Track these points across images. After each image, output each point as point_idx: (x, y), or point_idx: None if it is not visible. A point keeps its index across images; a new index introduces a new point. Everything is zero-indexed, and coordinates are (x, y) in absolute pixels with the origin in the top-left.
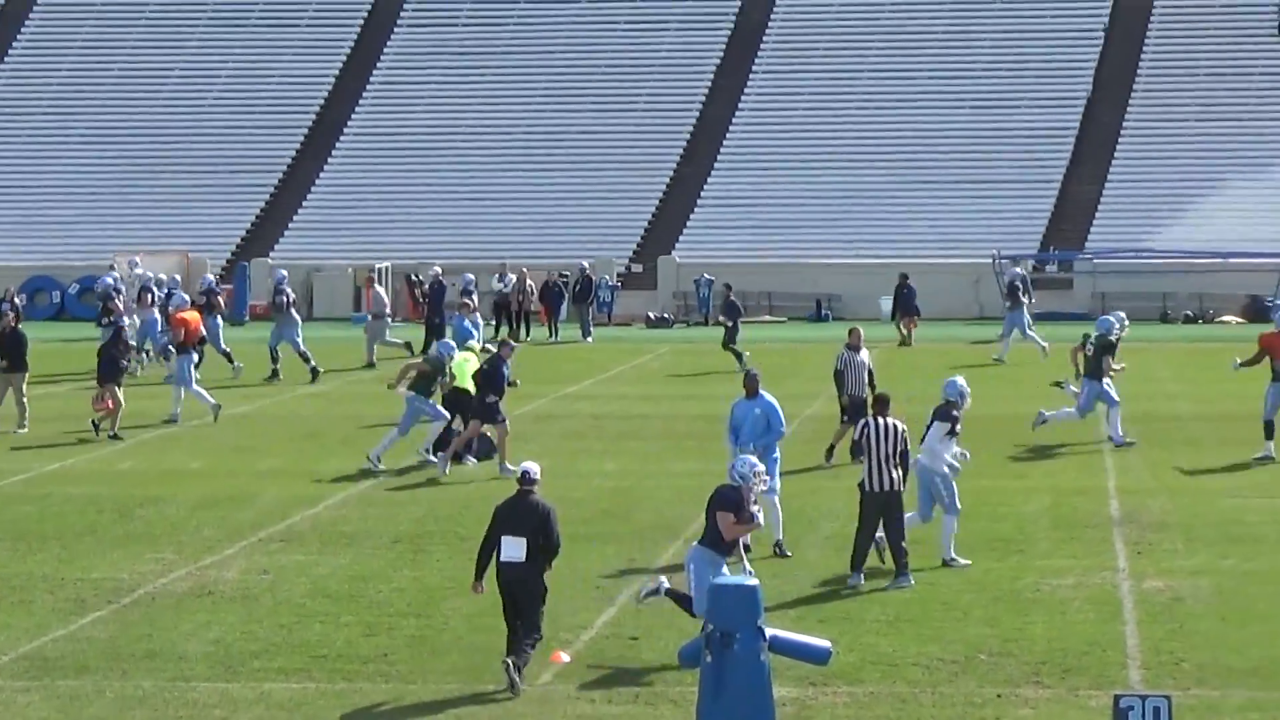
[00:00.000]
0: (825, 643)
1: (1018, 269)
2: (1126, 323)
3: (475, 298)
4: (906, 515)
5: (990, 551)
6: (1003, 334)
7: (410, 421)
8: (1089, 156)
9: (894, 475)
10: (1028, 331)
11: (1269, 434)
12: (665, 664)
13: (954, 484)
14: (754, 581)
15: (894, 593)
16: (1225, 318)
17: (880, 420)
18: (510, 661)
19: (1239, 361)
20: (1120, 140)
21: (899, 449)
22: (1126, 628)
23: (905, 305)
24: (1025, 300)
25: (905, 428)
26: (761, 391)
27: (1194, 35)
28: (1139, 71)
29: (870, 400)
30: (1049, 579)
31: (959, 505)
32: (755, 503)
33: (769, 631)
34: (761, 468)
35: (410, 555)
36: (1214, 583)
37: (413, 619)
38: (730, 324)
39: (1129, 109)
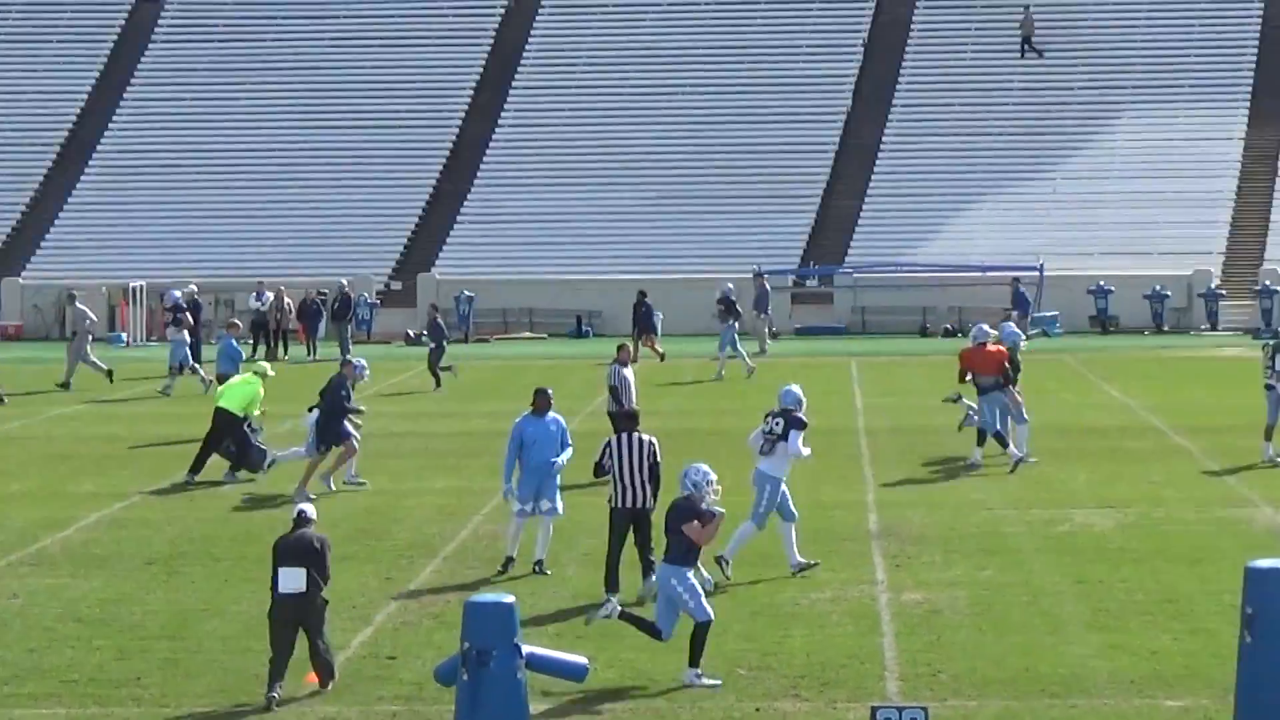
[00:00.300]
0: (582, 659)
1: (729, 284)
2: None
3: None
4: (741, 525)
5: (748, 566)
6: (720, 349)
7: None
8: (849, 171)
9: (643, 491)
10: (736, 348)
11: (981, 441)
12: (423, 682)
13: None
14: (510, 599)
15: (647, 609)
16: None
17: (628, 436)
18: (274, 695)
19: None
20: (880, 155)
21: (648, 464)
22: (884, 640)
23: (644, 322)
24: (734, 317)
25: (655, 442)
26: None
27: (951, 51)
28: (898, 87)
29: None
30: (808, 593)
31: (795, 511)
32: (717, 501)
33: (526, 649)
34: (714, 475)
35: (164, 577)
36: (971, 594)
37: (166, 641)
38: (435, 345)
39: (888, 124)
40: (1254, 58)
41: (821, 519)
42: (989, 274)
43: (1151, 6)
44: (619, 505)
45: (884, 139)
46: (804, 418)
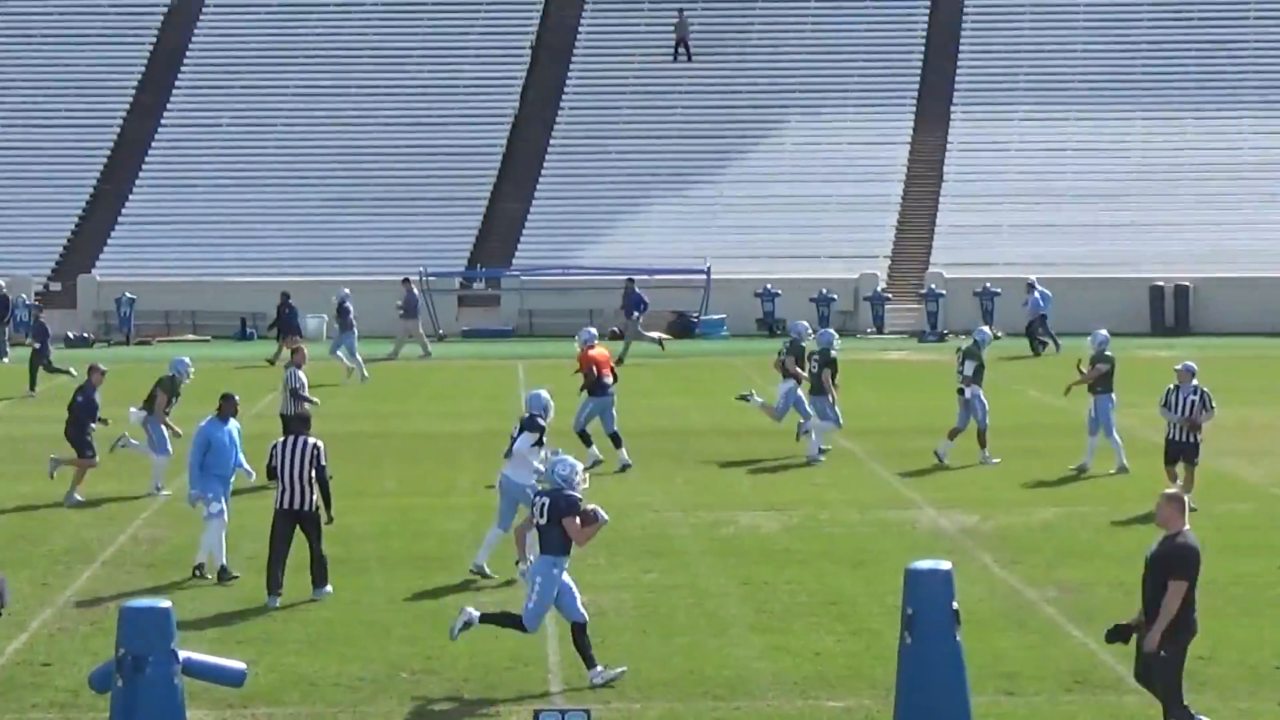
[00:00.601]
0: (240, 664)
1: (345, 289)
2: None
3: None
4: (492, 531)
5: (413, 569)
6: (335, 351)
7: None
8: (516, 174)
9: (308, 493)
10: (353, 354)
11: (615, 443)
12: (78, 689)
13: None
14: (167, 604)
15: (315, 611)
16: (652, 334)
17: (295, 439)
18: None
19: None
20: (547, 158)
21: (313, 467)
22: (549, 643)
23: (287, 325)
24: (351, 322)
25: (320, 446)
26: None
27: (618, 55)
28: (565, 90)
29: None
30: (472, 596)
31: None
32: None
33: (182, 654)
34: (580, 466)
35: None
36: (636, 597)
37: None
38: (38, 345)
39: (555, 128)
40: (920, 62)
41: (485, 522)
42: (656, 277)
43: (818, 11)
44: (281, 506)
45: (551, 142)
46: (541, 422)
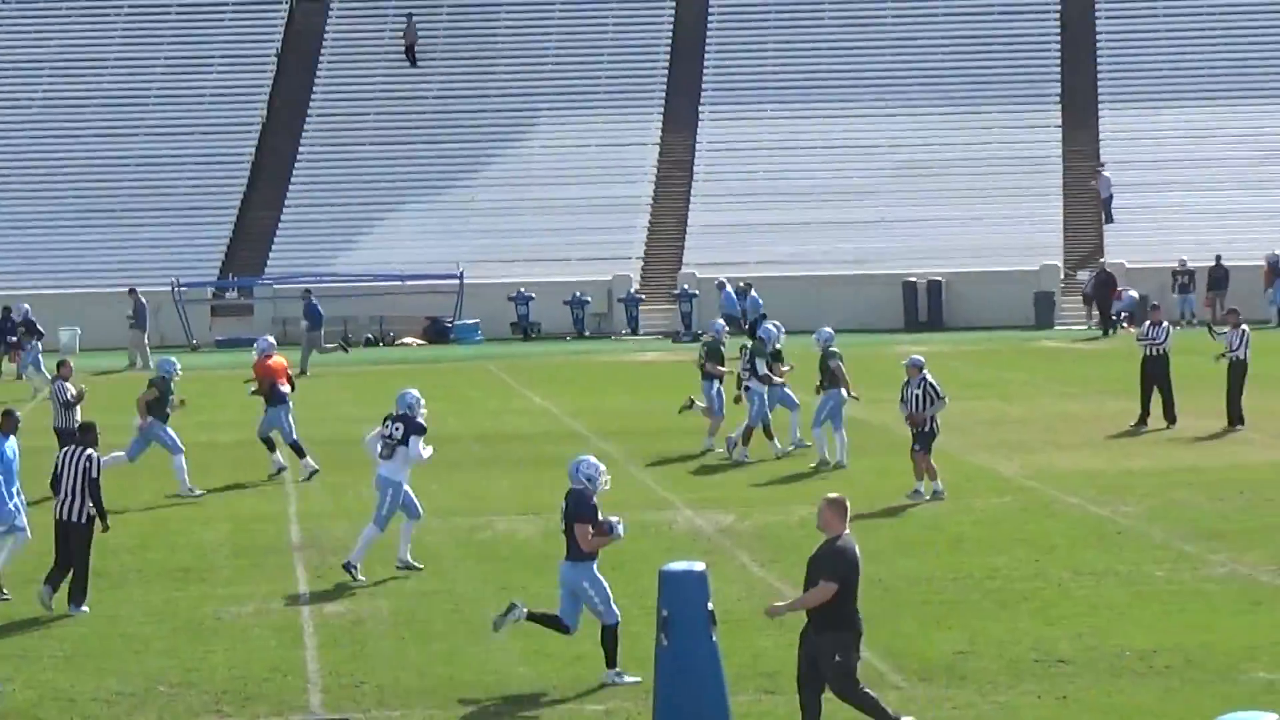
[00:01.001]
0: None
1: (25, 304)
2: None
3: None
4: (365, 530)
5: (170, 581)
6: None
7: (140, 449)
8: (265, 183)
9: (76, 504)
10: (38, 369)
11: (298, 453)
12: None
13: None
14: None
15: (72, 626)
16: (406, 339)
17: (75, 450)
18: None
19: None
20: (296, 166)
21: (86, 479)
22: (307, 652)
23: (9, 336)
24: (37, 337)
25: (95, 456)
26: None
27: (365, 60)
28: (312, 97)
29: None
30: (230, 606)
31: (420, 509)
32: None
33: None
34: (603, 467)
35: None
36: (394, 604)
37: None
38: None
39: (304, 135)
40: (666, 62)
41: (243, 532)
42: (410, 282)
43: (564, 12)
44: (58, 516)
45: (300, 150)
46: (423, 422)
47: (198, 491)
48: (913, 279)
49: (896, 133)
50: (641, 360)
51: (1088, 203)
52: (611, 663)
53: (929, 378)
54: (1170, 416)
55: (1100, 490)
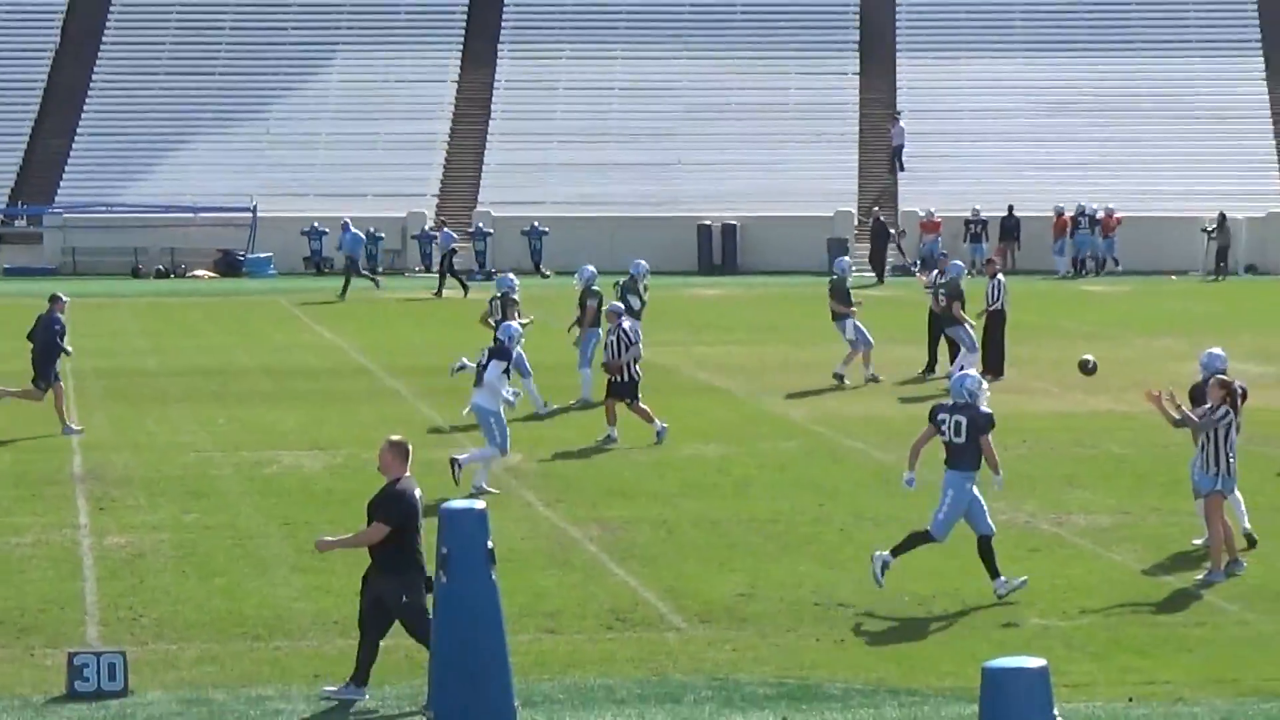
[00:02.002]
0: None
1: None
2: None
3: None
4: (483, 449)
5: None
6: None
7: None
8: (57, 110)
9: None
10: None
11: None
12: None
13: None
14: None
15: None
16: (198, 272)
17: None
18: None
19: None
20: (89, 94)
21: None
22: (86, 584)
23: None
24: None
25: None
26: None
27: None
28: (107, 24)
29: None
30: (8, 537)
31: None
32: None
33: None
34: (984, 381)
35: None
36: (175, 537)
37: None
38: None
39: (97, 63)
40: (466, 3)
41: (24, 462)
42: (202, 215)
43: None
44: None
45: (93, 78)
46: (510, 349)
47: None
48: (707, 222)
49: (694, 75)
50: (435, 297)
51: (883, 150)
52: (995, 573)
53: (625, 325)
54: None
55: (885, 436)
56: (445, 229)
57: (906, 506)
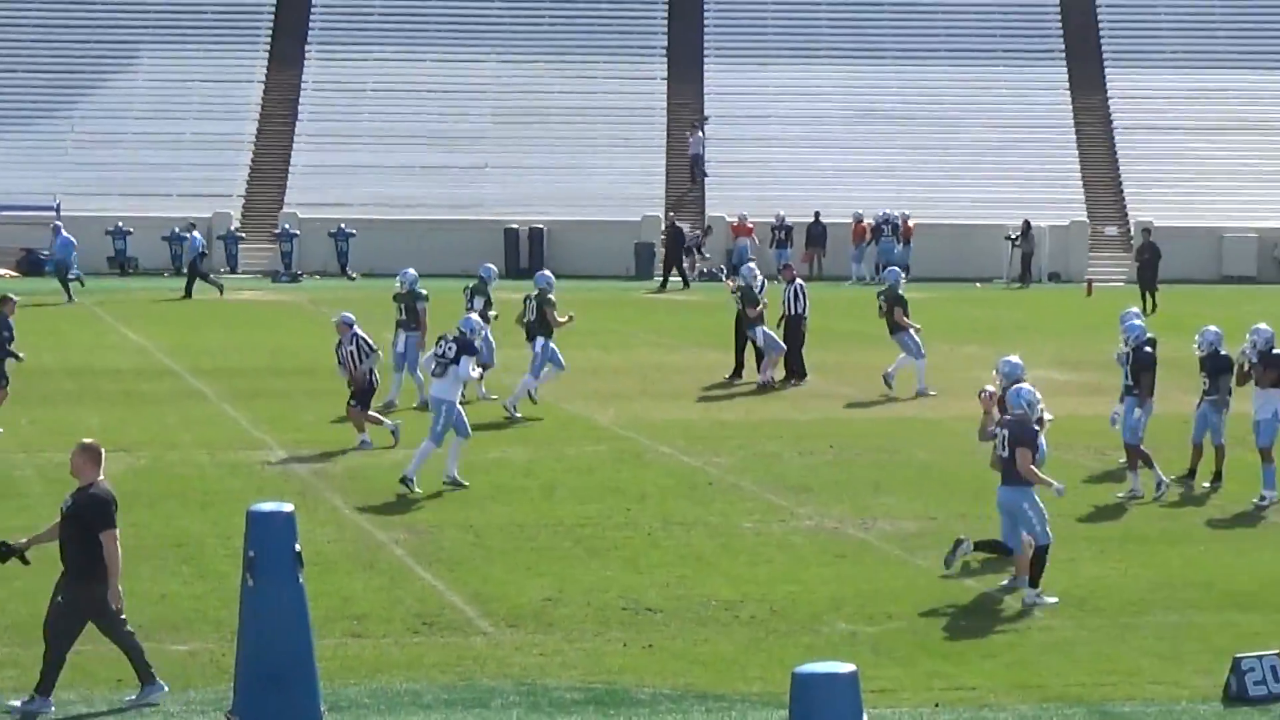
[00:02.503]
0: None
1: None
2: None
3: None
4: (421, 445)
5: None
6: None
7: None
8: None
9: None
10: None
11: None
12: None
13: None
14: None
15: None
16: (1, 271)
17: None
18: None
19: None
20: None
21: None
22: None
23: None
24: None
25: None
26: None
27: None
28: None
29: None
30: None
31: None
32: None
33: None
34: (1039, 395)
35: None
36: None
37: None
38: None
39: None
40: (273, 0)
41: None
42: (5, 213)
43: None
44: None
45: None
46: (476, 343)
47: None
48: (515, 226)
49: (503, 79)
50: (239, 299)
51: (689, 156)
52: (1035, 584)
53: (360, 333)
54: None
55: (692, 441)
56: (195, 233)
57: (714, 512)
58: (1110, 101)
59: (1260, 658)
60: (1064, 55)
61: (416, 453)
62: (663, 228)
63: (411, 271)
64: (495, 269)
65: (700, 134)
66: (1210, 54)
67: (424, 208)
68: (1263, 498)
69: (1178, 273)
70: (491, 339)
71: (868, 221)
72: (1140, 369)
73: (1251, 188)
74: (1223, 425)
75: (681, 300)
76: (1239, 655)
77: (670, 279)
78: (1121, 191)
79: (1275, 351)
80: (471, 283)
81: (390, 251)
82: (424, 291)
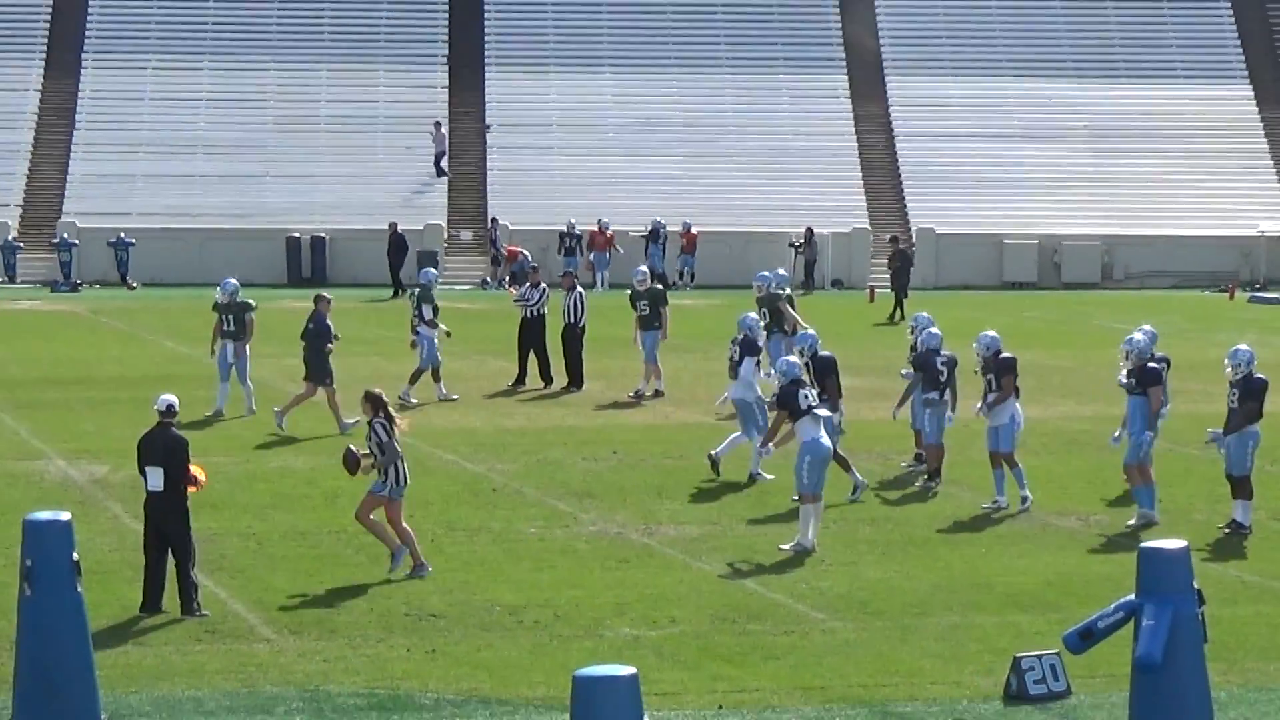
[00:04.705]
0: None
1: None
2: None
3: None
4: (737, 435)
5: None
6: None
7: None
8: None
9: None
10: None
11: None
12: None
13: None
14: None
15: None
16: None
17: None
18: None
19: None
20: None
21: None
22: None
23: None
24: None
25: None
26: None
27: None
28: None
29: None
30: None
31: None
32: None
33: None
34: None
35: None
36: None
37: None
38: None
39: None
40: (49, 10)
41: None
42: None
43: None
44: None
45: None
46: (759, 343)
47: None
48: (297, 234)
49: (283, 88)
50: (16, 309)
51: (472, 165)
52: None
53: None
54: (546, 377)
55: (476, 448)
56: None
57: (497, 518)
58: (891, 109)
59: (1040, 657)
60: (845, 63)
61: (729, 439)
62: (445, 236)
63: (233, 281)
64: (435, 273)
65: (442, 132)
66: (989, 62)
67: (205, 217)
68: (1024, 498)
69: (960, 279)
70: (437, 341)
71: (639, 231)
72: (1000, 373)
73: (1031, 195)
74: (1013, 431)
75: (469, 309)
76: (1019, 655)
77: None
78: (903, 198)
79: (1004, 356)
80: (415, 290)
81: (171, 261)
82: (251, 301)
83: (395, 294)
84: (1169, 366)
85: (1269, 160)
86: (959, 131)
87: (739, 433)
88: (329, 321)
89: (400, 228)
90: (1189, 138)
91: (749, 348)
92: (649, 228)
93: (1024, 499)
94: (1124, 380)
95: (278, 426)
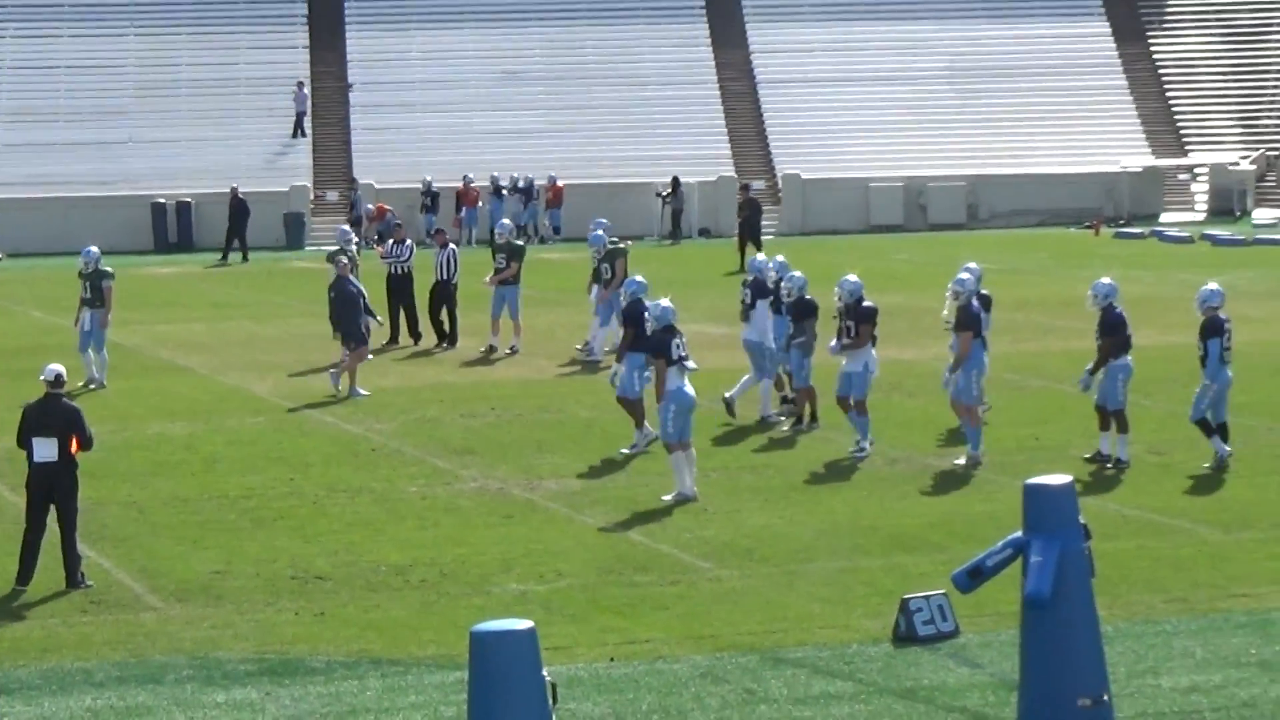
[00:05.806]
0: None
1: None
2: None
3: None
4: (747, 377)
5: None
6: None
7: None
8: None
9: None
10: None
11: None
12: None
13: None
14: None
15: None
16: None
17: None
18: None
19: None
20: None
21: None
22: None
23: None
24: None
25: None
26: None
27: None
28: None
29: None
30: None
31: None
32: None
33: None
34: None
35: None
36: None
37: None
38: None
39: None
40: None
41: None
42: None
43: None
44: None
45: None
46: (770, 286)
47: None
48: (161, 200)
49: (143, 52)
50: None
51: (335, 123)
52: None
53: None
54: (415, 334)
55: (353, 408)
56: None
57: (378, 478)
58: (752, 56)
59: (927, 598)
60: (704, 10)
61: (742, 381)
62: (311, 197)
63: (94, 250)
64: (348, 230)
65: (304, 92)
66: (849, 6)
67: (68, 184)
68: (860, 447)
69: (827, 224)
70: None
71: (503, 183)
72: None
73: (895, 137)
74: (866, 379)
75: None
76: (907, 596)
77: (231, 251)
78: (768, 145)
79: (865, 304)
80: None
81: (35, 229)
82: (109, 270)
83: (242, 258)
84: (990, 306)
85: (1128, 96)
86: (821, 76)
87: (749, 375)
88: (356, 284)
89: (265, 189)
90: (1049, 76)
91: (760, 289)
92: (500, 182)
93: (860, 448)
94: (948, 321)
95: (333, 388)
